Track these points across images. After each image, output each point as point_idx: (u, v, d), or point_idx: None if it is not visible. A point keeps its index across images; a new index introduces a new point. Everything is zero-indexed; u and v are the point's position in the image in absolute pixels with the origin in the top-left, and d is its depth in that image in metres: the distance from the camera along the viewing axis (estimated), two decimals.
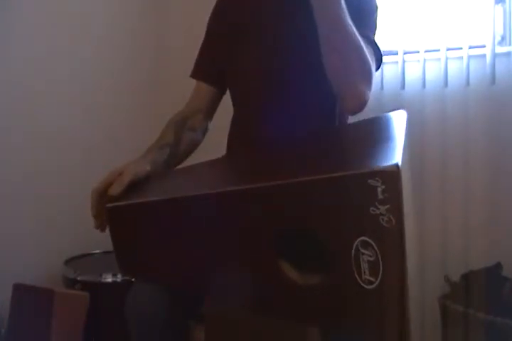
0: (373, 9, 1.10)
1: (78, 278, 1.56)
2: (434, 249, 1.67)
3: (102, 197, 0.84)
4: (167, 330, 0.89)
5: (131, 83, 2.09)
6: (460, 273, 1.55)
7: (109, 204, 0.80)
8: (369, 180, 0.55)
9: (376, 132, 0.82)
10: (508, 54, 1.58)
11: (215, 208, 0.70)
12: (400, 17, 1.73)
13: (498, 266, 1.51)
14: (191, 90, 1.23)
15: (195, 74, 1.23)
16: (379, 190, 0.55)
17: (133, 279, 0.96)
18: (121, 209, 0.80)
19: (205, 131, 1.19)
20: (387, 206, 0.55)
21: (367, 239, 0.57)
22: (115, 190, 0.82)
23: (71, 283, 1.57)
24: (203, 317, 0.93)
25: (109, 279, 1.55)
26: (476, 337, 1.35)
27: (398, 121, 0.82)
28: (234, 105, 1.22)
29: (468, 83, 1.62)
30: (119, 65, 2.05)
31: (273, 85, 1.10)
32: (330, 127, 1.11)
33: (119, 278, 1.55)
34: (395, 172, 0.55)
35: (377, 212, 0.56)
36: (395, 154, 0.60)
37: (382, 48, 1.08)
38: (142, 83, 2.13)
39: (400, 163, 0.56)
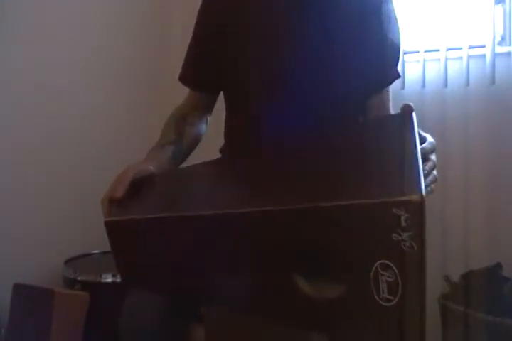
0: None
1: (78, 278, 1.56)
2: (434, 249, 1.67)
3: (111, 204, 0.83)
4: (166, 330, 0.88)
5: (133, 83, 2.09)
6: (460, 273, 1.55)
7: (107, 219, 0.80)
8: (393, 209, 0.56)
9: (390, 140, 0.80)
10: (508, 54, 1.58)
11: (225, 228, 0.68)
12: (399, 17, 1.72)
13: (498, 266, 1.51)
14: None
15: (184, 80, 1.16)
16: (402, 218, 0.55)
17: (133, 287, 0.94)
18: (118, 223, 0.79)
19: (205, 124, 1.17)
20: (410, 233, 0.55)
21: (387, 262, 0.58)
22: (118, 191, 0.81)
23: (71, 283, 1.57)
24: (203, 317, 0.93)
25: (109, 279, 1.55)
26: (476, 337, 1.34)
27: (407, 125, 0.81)
28: (230, 112, 1.16)
29: (468, 83, 1.62)
30: (121, 64, 2.05)
31: (278, 86, 1.05)
32: (338, 128, 1.02)
33: (119, 278, 1.55)
34: (419, 202, 0.55)
35: (400, 238, 0.56)
36: (419, 178, 0.59)
37: None
38: (144, 83, 2.13)
39: (424, 192, 0.56)
